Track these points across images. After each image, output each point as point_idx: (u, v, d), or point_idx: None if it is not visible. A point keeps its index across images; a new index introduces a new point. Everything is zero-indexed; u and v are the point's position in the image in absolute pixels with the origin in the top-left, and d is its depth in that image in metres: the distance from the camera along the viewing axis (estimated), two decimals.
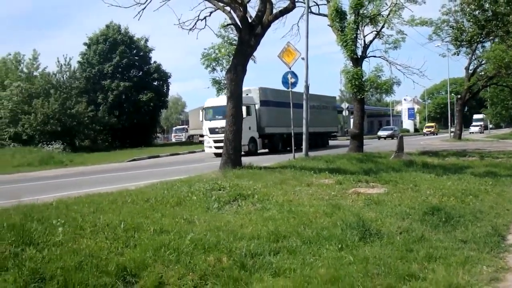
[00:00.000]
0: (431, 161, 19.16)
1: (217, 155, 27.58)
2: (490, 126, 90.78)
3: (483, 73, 46.42)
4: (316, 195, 10.24)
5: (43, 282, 5.24)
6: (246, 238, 6.86)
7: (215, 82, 20.18)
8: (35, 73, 46.04)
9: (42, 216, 7.48)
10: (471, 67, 45.52)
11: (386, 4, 23.48)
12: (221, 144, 26.53)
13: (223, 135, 26.23)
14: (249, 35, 14.80)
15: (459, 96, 53.20)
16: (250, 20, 14.92)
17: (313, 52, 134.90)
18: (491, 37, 35.06)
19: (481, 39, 35.22)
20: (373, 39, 24.39)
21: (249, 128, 27.91)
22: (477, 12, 30.16)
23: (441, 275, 5.62)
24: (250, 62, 16.08)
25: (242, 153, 25.44)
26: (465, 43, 36.62)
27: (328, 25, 24.29)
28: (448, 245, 6.78)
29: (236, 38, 16.94)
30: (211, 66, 19.20)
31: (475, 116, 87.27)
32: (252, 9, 15.49)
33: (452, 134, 52.27)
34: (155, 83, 52.62)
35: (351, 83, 23.19)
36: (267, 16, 15.12)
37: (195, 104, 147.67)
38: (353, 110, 26.94)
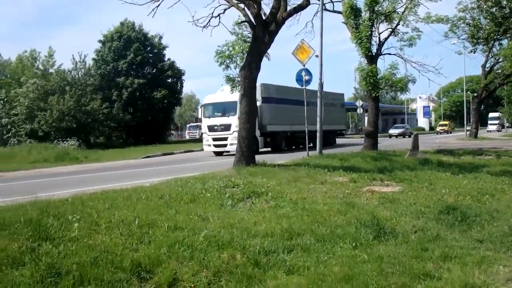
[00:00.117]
0: (447, 160, 18.99)
1: (217, 153, 27.54)
2: (507, 124, 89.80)
3: (500, 71, 45.84)
4: (330, 193, 10.21)
5: (59, 277, 5.28)
6: (260, 236, 6.86)
7: (229, 79, 20.09)
8: (50, 70, 46.44)
9: (58, 212, 7.54)
10: (487, 65, 45.01)
11: (402, 1, 23.29)
12: (221, 142, 26.50)
13: (222, 133, 26.19)
14: (263, 32, 14.76)
15: (475, 94, 52.62)
16: (264, 17, 14.88)
17: (327, 49, 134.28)
18: (508, 35, 34.69)
19: (498, 36, 34.89)
20: (388, 36, 24.19)
21: None
22: (494, 9, 29.89)
23: (456, 275, 5.58)
24: (264, 59, 16.04)
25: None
26: (481, 40, 36.30)
27: (342, 22, 24.17)
28: (464, 245, 6.73)
29: (250, 35, 16.90)
30: (225, 63, 19.10)
31: (491, 115, 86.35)
32: (266, 6, 15.45)
33: (468, 132, 51.77)
34: (169, 81, 52.78)
35: (365, 81, 23.03)
36: (281, 13, 15.07)
37: None
38: (367, 108, 26.78)
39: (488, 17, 31.45)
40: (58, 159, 26.89)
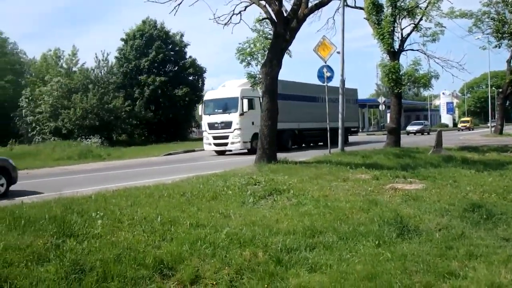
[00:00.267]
0: (471, 157, 18.74)
1: (219, 153, 26.32)
2: None
3: None
4: (352, 190, 10.14)
5: (83, 273, 5.35)
6: (281, 233, 6.85)
7: (250, 76, 20.11)
8: (74, 69, 46.95)
9: (81, 209, 7.64)
10: None
11: None
12: (221, 141, 25.40)
13: (223, 131, 25.23)
14: (284, 29, 14.72)
15: (500, 90, 51.74)
16: (285, 14, 14.84)
17: (348, 46, 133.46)
18: None
19: None
20: (411, 32, 23.91)
21: (252, 124, 24.50)
22: None
23: (482, 274, 5.49)
24: (286, 56, 15.98)
25: (245, 151, 24.77)
26: (506, 35, 35.65)
27: (364, 18, 23.99)
28: (490, 243, 6.63)
29: (271, 32, 16.87)
30: (246, 60, 19.11)
31: None
32: (287, 3, 15.43)
33: (492, 129, 50.92)
34: (191, 78, 52.93)
35: (388, 77, 22.84)
36: (303, 10, 15.00)
37: None
38: (389, 105, 26.52)
39: None
40: (82, 156, 27.18)
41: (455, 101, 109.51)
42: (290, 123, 27.18)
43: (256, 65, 19.00)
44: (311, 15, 16.37)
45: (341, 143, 20.52)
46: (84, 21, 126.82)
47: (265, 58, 15.70)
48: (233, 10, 15.69)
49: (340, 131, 20.79)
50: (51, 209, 7.47)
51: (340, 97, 20.62)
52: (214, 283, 5.51)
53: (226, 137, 25.19)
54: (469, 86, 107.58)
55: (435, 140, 20.75)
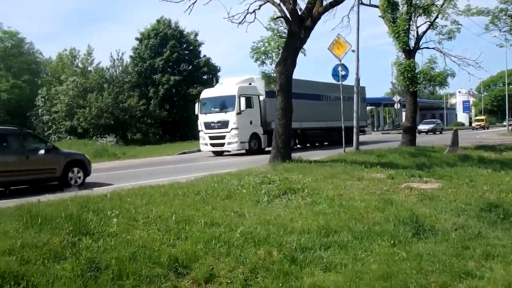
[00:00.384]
0: (488, 156, 18.55)
1: (216, 153, 25.33)
2: None
3: None
4: (367, 189, 10.08)
5: (98, 271, 5.39)
6: (296, 232, 6.84)
7: (265, 75, 20.12)
8: (89, 68, 47.34)
9: (97, 207, 7.70)
10: None
11: None
12: (218, 141, 24.21)
13: (219, 130, 24.06)
14: (298, 28, 14.67)
15: None
16: (299, 13, 14.79)
17: (363, 44, 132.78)
18: None
19: None
20: (427, 30, 23.71)
21: (251, 123, 24.50)
22: None
23: (499, 274, 5.44)
24: (300, 55, 15.95)
25: (243, 151, 24.08)
26: None
27: (379, 16, 23.83)
28: (507, 243, 6.56)
29: (285, 31, 16.86)
30: (261, 59, 19.16)
31: None
32: (302, 1, 15.36)
33: (510, 127, 50.32)
34: (205, 77, 53.04)
35: (403, 76, 22.71)
36: (317, 8, 14.94)
37: None
38: (405, 103, 26.33)
39: None
40: (97, 155, 27.33)
41: (472, 99, 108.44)
42: (292, 122, 25.75)
43: (271, 64, 19.05)
44: (326, 13, 16.30)
45: (356, 142, 20.41)
46: (99, 20, 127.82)
47: (280, 57, 15.68)
48: (248, 9, 15.70)
49: (355, 130, 20.69)
50: (67, 207, 7.54)
51: (355, 95, 20.52)
52: (229, 281, 5.52)
53: (223, 137, 24.10)
54: (486, 84, 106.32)
55: (451, 139, 20.57)
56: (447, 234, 6.94)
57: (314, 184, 10.39)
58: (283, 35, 17.92)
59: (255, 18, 15.93)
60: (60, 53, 53.32)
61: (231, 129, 23.79)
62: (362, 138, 35.09)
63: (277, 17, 17.03)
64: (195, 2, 15.08)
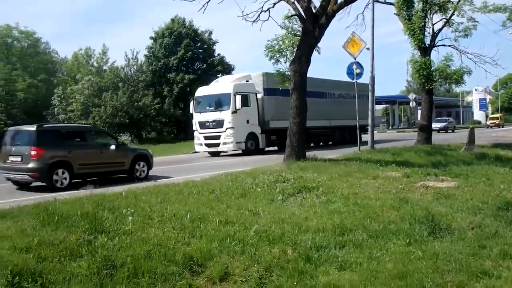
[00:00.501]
0: (505, 154, 18.33)
1: (212, 154, 24.45)
2: None
3: None
4: (382, 188, 10.02)
5: (114, 269, 5.43)
6: (311, 231, 6.83)
7: (279, 74, 20.06)
8: (104, 67, 47.76)
9: (112, 206, 7.76)
10: None
11: None
12: (213, 141, 23.19)
13: (214, 130, 22.90)
14: (313, 26, 14.63)
15: None
16: (314, 11, 14.74)
17: (378, 42, 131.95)
18: None
19: None
20: (442, 27, 23.52)
21: (247, 122, 23.42)
22: None
23: None
24: (314, 53, 15.89)
25: (239, 151, 23.23)
26: None
27: (394, 13, 23.66)
28: None
29: (300, 29, 16.79)
30: (275, 57, 19.07)
31: None
32: None
33: None
34: (219, 76, 53.12)
35: (418, 73, 22.52)
36: (332, 6, 14.88)
37: None
38: (420, 101, 26.12)
39: None
40: None
41: (488, 97, 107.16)
42: None
43: (285, 62, 18.96)
44: (340, 11, 16.23)
45: (370, 141, 20.29)
46: (114, 20, 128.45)
47: (294, 55, 15.64)
48: (262, 7, 15.66)
49: (370, 128, 20.62)
50: (83, 205, 7.61)
51: (370, 93, 20.40)
52: (244, 280, 5.53)
53: (218, 137, 22.97)
54: (503, 82, 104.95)
55: (467, 137, 20.37)
56: (464, 233, 6.88)
57: (329, 182, 10.36)
58: (298, 33, 17.83)
59: (269, 16, 15.90)
60: (75, 52, 54.01)
61: (226, 128, 22.84)
62: (381, 136, 34.82)
63: (292, 15, 16.94)
64: (209, 1, 15.12)
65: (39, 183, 13.14)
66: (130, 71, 45.88)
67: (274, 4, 15.66)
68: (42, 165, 12.54)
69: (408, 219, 7.35)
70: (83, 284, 5.07)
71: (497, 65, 22.61)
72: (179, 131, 49.34)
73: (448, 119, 56.63)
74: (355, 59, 19.19)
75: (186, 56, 49.17)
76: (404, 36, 23.24)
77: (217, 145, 23.33)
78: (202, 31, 52.70)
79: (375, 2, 21.11)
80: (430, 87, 23.18)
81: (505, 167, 13.50)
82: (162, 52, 49.53)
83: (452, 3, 22.76)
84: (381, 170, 12.44)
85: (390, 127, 68.46)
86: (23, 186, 13.40)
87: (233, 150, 23.52)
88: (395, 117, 77.47)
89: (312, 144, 27.76)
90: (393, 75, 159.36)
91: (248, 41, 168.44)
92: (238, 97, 22.84)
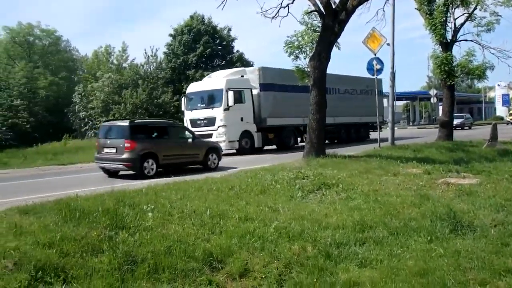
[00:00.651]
0: None
1: None
2: None
3: None
4: (403, 185, 9.95)
5: (135, 264, 5.48)
6: (331, 228, 6.80)
7: (299, 70, 19.97)
8: (124, 65, 48.07)
9: (133, 202, 7.82)
10: None
11: None
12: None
13: (206, 128, 21.48)
14: (332, 22, 14.54)
15: None
16: (334, 6, 14.64)
17: (399, 37, 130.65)
18: None
19: None
20: (464, 22, 23.13)
21: (241, 120, 22.20)
22: None
23: None
24: (334, 49, 15.80)
25: (233, 151, 22.05)
26: None
27: (415, 8, 23.38)
28: None
29: (319, 25, 16.70)
30: (294, 54, 18.97)
31: None
32: None
33: None
34: None
35: (440, 69, 22.24)
36: (352, 1, 14.77)
37: None
38: (441, 97, 25.80)
39: None
40: None
41: (511, 92, 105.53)
42: (292, 118, 23.82)
43: (305, 59, 18.84)
44: (360, 6, 16.09)
45: (391, 137, 20.11)
46: (134, 17, 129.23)
47: (314, 51, 15.57)
48: (281, 3, 15.61)
49: (390, 124, 20.41)
50: (104, 201, 7.67)
51: (390, 89, 20.24)
52: (263, 276, 5.53)
53: (210, 136, 20.93)
54: None
55: (490, 133, 20.09)
56: (486, 231, 6.80)
57: (349, 179, 10.32)
58: (317, 29, 17.73)
59: (288, 12, 15.85)
60: (95, 50, 54.49)
61: (218, 126, 21.59)
62: (401, 132, 34.02)
63: (311, 11, 16.85)
64: None
65: (125, 172, 14.81)
66: (150, 68, 46.16)
67: (293, 0, 15.61)
68: (134, 156, 14.18)
69: (429, 216, 7.29)
70: (105, 279, 5.13)
71: None
72: None
73: (465, 115, 54.76)
74: (375, 54, 19.05)
75: (205, 53, 49.26)
76: (425, 31, 22.99)
77: None
78: (221, 28, 52.74)
79: None
80: (452, 83, 22.89)
81: None
82: (181, 49, 49.69)
83: None
84: (402, 167, 12.34)
85: (411, 124, 67.78)
86: (112, 174, 15.17)
87: (225, 150, 21.11)
88: (415, 114, 76.67)
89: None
90: (414, 70, 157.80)
91: (267, 37, 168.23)
92: (231, 93, 21.64)
